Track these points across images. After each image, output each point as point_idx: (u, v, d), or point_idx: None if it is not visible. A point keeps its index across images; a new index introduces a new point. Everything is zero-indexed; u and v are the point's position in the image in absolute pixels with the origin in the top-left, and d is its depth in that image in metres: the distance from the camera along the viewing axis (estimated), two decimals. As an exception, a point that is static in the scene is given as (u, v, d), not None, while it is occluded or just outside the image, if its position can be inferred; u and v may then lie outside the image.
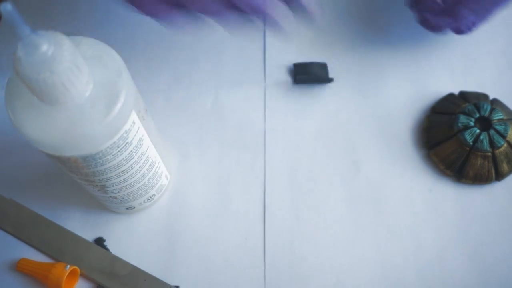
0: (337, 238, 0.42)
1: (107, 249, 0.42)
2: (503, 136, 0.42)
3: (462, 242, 0.41)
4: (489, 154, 0.42)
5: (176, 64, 0.50)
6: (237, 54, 0.50)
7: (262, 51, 0.50)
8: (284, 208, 0.43)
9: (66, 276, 0.40)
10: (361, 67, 0.49)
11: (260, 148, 0.46)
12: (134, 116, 0.33)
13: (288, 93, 0.48)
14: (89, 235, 0.43)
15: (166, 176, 0.42)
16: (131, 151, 0.34)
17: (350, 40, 0.50)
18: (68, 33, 0.29)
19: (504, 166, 0.42)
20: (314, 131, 0.46)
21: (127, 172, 0.36)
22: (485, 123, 0.43)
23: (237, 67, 0.49)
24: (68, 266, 0.40)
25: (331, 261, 0.41)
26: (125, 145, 0.33)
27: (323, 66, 0.48)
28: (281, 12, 0.36)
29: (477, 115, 0.43)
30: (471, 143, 0.42)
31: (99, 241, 0.43)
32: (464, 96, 0.46)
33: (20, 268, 0.41)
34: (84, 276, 0.42)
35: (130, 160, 0.35)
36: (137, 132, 0.34)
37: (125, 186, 0.37)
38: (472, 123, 0.43)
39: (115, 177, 0.35)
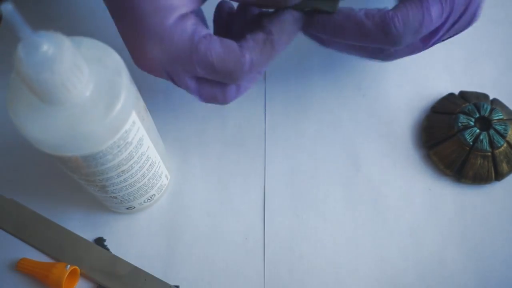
0: (336, 237, 0.42)
1: (107, 249, 0.42)
2: (503, 136, 0.42)
3: (462, 242, 0.41)
4: (489, 154, 0.42)
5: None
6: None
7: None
8: (284, 208, 0.43)
9: (66, 276, 0.40)
10: (361, 67, 0.49)
11: (260, 148, 0.46)
12: (134, 116, 0.33)
13: (289, 93, 0.48)
14: (90, 235, 0.43)
15: (166, 176, 0.42)
16: (131, 151, 0.34)
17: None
18: (68, 34, 0.29)
19: (504, 166, 0.42)
20: (314, 131, 0.46)
21: (127, 172, 0.36)
22: (485, 123, 0.43)
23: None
24: (69, 266, 0.40)
25: (331, 260, 0.41)
26: (125, 145, 0.33)
27: None
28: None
29: (477, 115, 0.43)
30: (471, 143, 0.42)
31: (99, 241, 0.43)
32: (464, 96, 0.46)
33: (21, 268, 0.41)
34: (84, 276, 0.42)
35: (130, 160, 0.35)
36: (137, 132, 0.34)
37: (125, 186, 0.37)
38: (472, 123, 0.43)
39: (115, 177, 0.35)
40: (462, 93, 0.46)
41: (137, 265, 0.42)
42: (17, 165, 0.46)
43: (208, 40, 0.34)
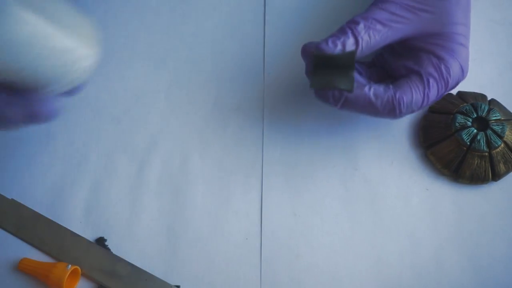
0: (333, 236, 0.43)
1: (108, 249, 0.43)
2: (500, 137, 0.43)
3: (459, 241, 0.42)
4: (486, 154, 0.43)
5: (177, 64, 0.50)
6: (237, 54, 0.50)
7: (262, 51, 0.50)
8: (281, 207, 0.44)
9: (67, 275, 0.40)
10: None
11: (258, 148, 0.46)
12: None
13: (288, 93, 0.48)
14: (90, 235, 0.43)
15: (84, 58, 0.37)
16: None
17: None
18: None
19: (501, 167, 0.43)
20: (312, 130, 0.47)
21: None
22: (483, 123, 0.44)
23: (238, 67, 0.49)
24: (69, 265, 0.40)
25: (327, 260, 0.42)
26: None
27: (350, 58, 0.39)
28: None
29: (475, 115, 0.44)
30: (468, 143, 0.43)
31: (100, 241, 0.43)
32: (462, 96, 0.46)
33: (22, 267, 0.42)
34: (85, 275, 0.42)
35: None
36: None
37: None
38: (469, 123, 0.43)
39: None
40: (460, 93, 0.46)
41: (137, 265, 0.42)
42: (17, 165, 0.46)
43: None
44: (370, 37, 0.39)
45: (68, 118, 0.48)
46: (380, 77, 0.44)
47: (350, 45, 0.39)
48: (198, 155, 0.46)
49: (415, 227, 0.43)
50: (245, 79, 0.49)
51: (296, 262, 0.42)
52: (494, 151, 0.43)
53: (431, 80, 0.39)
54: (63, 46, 0.35)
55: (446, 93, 0.41)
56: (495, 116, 0.43)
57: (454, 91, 0.46)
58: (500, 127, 0.43)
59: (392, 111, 0.39)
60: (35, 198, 0.45)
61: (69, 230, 0.43)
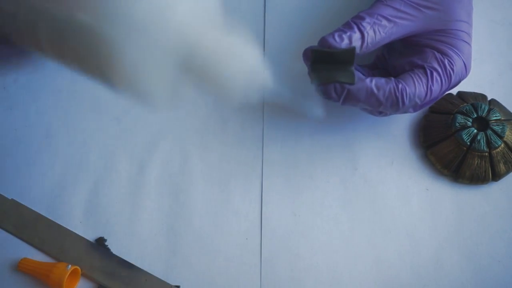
0: (333, 236, 0.43)
1: (108, 249, 0.43)
2: (500, 137, 0.43)
3: (458, 241, 0.42)
4: (486, 154, 0.43)
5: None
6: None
7: (262, 52, 0.50)
8: (282, 206, 0.44)
9: (67, 275, 0.40)
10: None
11: (258, 148, 0.46)
12: None
13: (287, 93, 0.48)
14: (90, 235, 0.43)
15: None
16: None
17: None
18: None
19: (501, 167, 0.43)
20: (312, 130, 0.47)
21: None
22: (483, 123, 0.44)
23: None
24: (69, 266, 0.40)
25: (327, 259, 0.42)
26: None
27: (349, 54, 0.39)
28: None
29: (475, 115, 0.44)
30: (468, 143, 0.43)
31: (100, 241, 0.43)
32: (462, 96, 0.46)
33: (22, 267, 0.42)
34: (85, 275, 0.42)
35: None
36: None
37: None
38: (469, 123, 0.43)
39: None
40: (460, 93, 0.46)
41: (137, 265, 0.42)
42: (17, 165, 0.46)
43: None
44: (375, 32, 0.39)
45: (68, 118, 0.48)
46: None
47: (356, 39, 0.39)
48: (198, 155, 0.46)
49: (415, 227, 0.43)
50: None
51: (296, 262, 0.42)
52: (494, 151, 0.43)
53: (434, 74, 0.39)
54: None
55: (448, 90, 0.41)
56: (495, 116, 0.43)
57: (454, 91, 0.46)
58: (500, 127, 0.43)
59: (395, 103, 0.39)
60: (35, 198, 0.45)
61: (69, 230, 0.43)
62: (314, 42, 0.50)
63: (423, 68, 0.40)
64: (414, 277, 0.41)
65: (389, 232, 0.43)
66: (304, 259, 0.42)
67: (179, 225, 0.43)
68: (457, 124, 0.43)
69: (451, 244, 0.42)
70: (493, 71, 0.48)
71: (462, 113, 0.44)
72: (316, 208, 0.44)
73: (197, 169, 0.45)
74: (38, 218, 0.44)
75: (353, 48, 0.38)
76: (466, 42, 0.41)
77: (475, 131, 0.43)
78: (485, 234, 0.42)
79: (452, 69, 0.40)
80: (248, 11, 0.52)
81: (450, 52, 0.40)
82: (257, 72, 0.42)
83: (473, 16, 0.43)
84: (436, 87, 0.39)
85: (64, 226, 0.44)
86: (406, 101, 0.39)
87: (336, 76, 0.39)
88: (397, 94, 0.39)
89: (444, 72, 0.39)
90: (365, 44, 0.39)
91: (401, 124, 0.47)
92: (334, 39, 0.38)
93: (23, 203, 0.45)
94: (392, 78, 0.39)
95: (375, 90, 0.39)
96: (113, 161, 0.46)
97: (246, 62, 0.39)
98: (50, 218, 0.44)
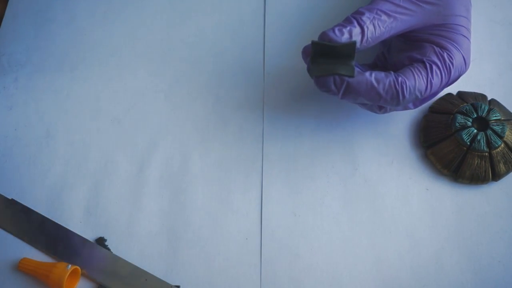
0: (333, 236, 0.43)
1: (108, 249, 0.43)
2: (500, 137, 0.43)
3: (458, 241, 0.42)
4: (486, 154, 0.43)
5: (177, 64, 0.50)
6: (237, 54, 0.50)
7: (262, 51, 0.50)
8: (281, 206, 0.44)
9: (67, 275, 0.40)
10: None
11: (259, 148, 0.46)
12: None
13: (288, 93, 0.48)
14: (90, 235, 0.43)
15: None
16: None
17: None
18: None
19: (501, 167, 0.43)
20: (312, 130, 0.47)
21: None
22: (483, 123, 0.44)
23: (238, 68, 0.50)
24: (69, 265, 0.40)
25: (327, 259, 0.42)
26: None
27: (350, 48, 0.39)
28: None
29: (475, 115, 0.44)
30: (468, 143, 0.43)
31: (100, 241, 0.43)
32: (462, 96, 0.46)
33: (22, 267, 0.42)
34: (85, 275, 0.42)
35: None
36: None
37: None
38: (469, 123, 0.43)
39: None
40: (460, 93, 0.46)
41: (137, 265, 0.42)
42: (17, 165, 0.46)
43: None
44: (375, 27, 0.39)
45: (68, 118, 0.48)
46: None
47: (356, 34, 0.39)
48: (198, 155, 0.46)
49: (415, 227, 0.43)
50: (245, 79, 0.49)
51: (296, 262, 0.42)
52: (494, 151, 0.43)
53: (434, 67, 0.39)
54: None
55: (448, 85, 0.41)
56: (495, 116, 0.43)
57: (454, 91, 0.46)
58: (500, 127, 0.43)
59: (395, 96, 0.39)
60: (35, 198, 0.45)
61: (69, 230, 0.43)
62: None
63: (423, 62, 0.40)
64: (414, 277, 0.41)
65: (389, 232, 0.43)
66: (304, 259, 0.42)
67: (179, 225, 0.43)
68: (457, 124, 0.43)
69: (451, 244, 0.42)
70: (493, 71, 0.48)
71: (462, 113, 0.44)
72: (316, 208, 0.44)
73: (197, 169, 0.45)
74: (38, 218, 0.44)
75: (354, 42, 0.38)
76: (465, 37, 0.41)
77: (475, 131, 0.43)
78: (485, 234, 0.42)
79: (452, 63, 0.40)
80: (248, 11, 0.52)
81: (449, 46, 0.40)
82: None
83: (473, 16, 0.43)
84: (436, 81, 0.39)
85: (64, 226, 0.44)
86: (406, 94, 0.39)
87: (336, 69, 0.38)
88: (397, 87, 0.38)
89: (444, 66, 0.39)
90: (365, 38, 0.39)
91: (401, 124, 0.47)
92: (335, 33, 0.38)
93: (23, 203, 0.45)
94: (392, 72, 0.39)
95: (374, 83, 0.38)
96: (113, 161, 0.46)
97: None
98: (50, 218, 0.44)
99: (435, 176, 0.44)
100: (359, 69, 0.40)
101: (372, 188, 0.44)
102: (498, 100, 0.46)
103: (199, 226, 0.43)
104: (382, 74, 0.39)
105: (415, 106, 0.43)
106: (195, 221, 0.44)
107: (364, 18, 0.39)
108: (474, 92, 0.46)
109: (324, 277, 0.41)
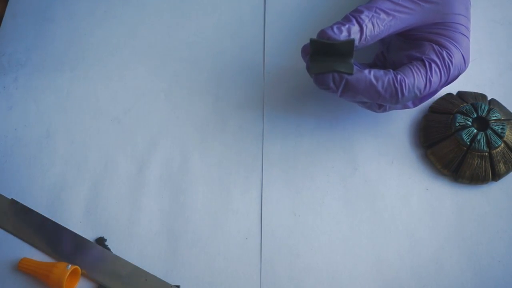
0: (333, 236, 0.43)
1: (108, 249, 0.43)
2: (500, 137, 0.43)
3: (458, 241, 0.42)
4: (486, 154, 0.43)
5: (177, 64, 0.50)
6: (237, 54, 0.50)
7: (262, 51, 0.50)
8: (281, 206, 0.44)
9: (67, 275, 0.40)
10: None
11: (258, 148, 0.46)
12: None
13: (288, 92, 0.48)
14: (90, 235, 0.43)
15: None
16: None
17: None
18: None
19: (501, 166, 0.43)
20: (312, 130, 0.47)
21: None
22: (483, 123, 0.44)
23: (238, 68, 0.50)
24: (69, 265, 0.40)
25: (327, 259, 0.42)
26: None
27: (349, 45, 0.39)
28: None
29: (475, 115, 0.44)
30: (468, 143, 0.43)
31: (100, 241, 0.43)
32: (462, 96, 0.46)
33: (22, 267, 0.42)
34: (85, 275, 0.42)
35: None
36: None
37: None
38: (469, 123, 0.43)
39: None
40: (460, 93, 0.46)
41: (137, 265, 0.42)
42: (17, 165, 0.46)
43: None
44: (374, 25, 0.39)
45: (68, 118, 0.48)
46: None
47: (355, 31, 0.39)
48: (198, 155, 0.46)
49: (415, 227, 0.43)
50: (245, 79, 0.49)
51: (296, 262, 0.42)
52: (494, 151, 0.43)
53: (433, 65, 0.39)
54: None
55: (448, 83, 0.41)
56: (495, 116, 0.43)
57: (454, 91, 0.46)
58: (500, 127, 0.43)
59: (394, 94, 0.39)
60: (35, 198, 0.45)
61: (69, 230, 0.43)
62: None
63: (422, 60, 0.40)
64: (414, 277, 0.41)
65: (389, 232, 0.43)
66: (304, 259, 0.42)
67: (179, 225, 0.43)
68: (457, 124, 0.43)
69: (451, 244, 0.42)
70: (493, 71, 0.48)
71: (462, 113, 0.44)
72: (316, 208, 0.44)
73: (197, 169, 0.45)
74: (38, 218, 0.44)
75: (352, 40, 0.38)
76: (464, 35, 0.41)
77: (475, 131, 0.43)
78: (485, 234, 0.42)
79: (451, 61, 0.40)
80: (248, 11, 0.52)
81: (449, 45, 0.40)
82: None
83: (473, 16, 0.43)
84: (435, 79, 0.39)
85: (64, 226, 0.44)
86: (405, 92, 0.39)
87: (335, 66, 0.39)
88: (396, 84, 0.38)
89: (443, 64, 0.39)
90: (363, 36, 0.39)
91: (401, 124, 0.47)
92: (333, 31, 0.38)
93: (23, 203, 0.45)
94: (391, 70, 0.39)
95: (373, 81, 0.38)
96: (113, 161, 0.46)
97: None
98: (50, 218, 0.44)
99: (435, 176, 0.44)
100: (358, 67, 0.40)
101: (372, 188, 0.44)
102: (498, 100, 0.46)
103: (199, 226, 0.43)
104: (381, 72, 0.39)
105: (415, 105, 0.43)
106: (195, 221, 0.44)
107: (363, 16, 0.39)
108: (474, 92, 0.46)
109: (324, 277, 0.41)
